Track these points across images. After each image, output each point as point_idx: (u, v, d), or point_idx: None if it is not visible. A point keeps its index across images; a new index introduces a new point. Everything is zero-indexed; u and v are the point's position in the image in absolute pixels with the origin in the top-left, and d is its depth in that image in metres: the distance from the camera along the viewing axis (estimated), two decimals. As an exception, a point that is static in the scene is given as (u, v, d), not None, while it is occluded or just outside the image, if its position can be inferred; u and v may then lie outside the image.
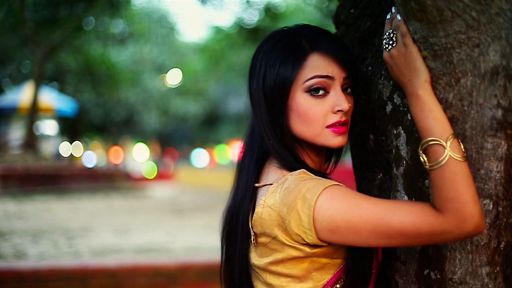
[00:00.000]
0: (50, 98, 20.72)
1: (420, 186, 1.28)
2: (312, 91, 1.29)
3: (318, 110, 1.30)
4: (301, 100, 1.30)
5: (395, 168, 1.35)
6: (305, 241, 1.21)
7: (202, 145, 39.18)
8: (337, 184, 1.22)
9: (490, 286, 1.24)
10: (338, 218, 1.17)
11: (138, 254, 6.44)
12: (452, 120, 1.19)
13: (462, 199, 1.11)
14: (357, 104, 1.52)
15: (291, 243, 1.23)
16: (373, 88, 1.47)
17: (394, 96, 1.37)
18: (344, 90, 1.34)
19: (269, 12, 18.00)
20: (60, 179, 16.10)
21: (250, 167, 1.39)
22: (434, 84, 1.19)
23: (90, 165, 23.07)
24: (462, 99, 1.17)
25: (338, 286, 1.28)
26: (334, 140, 1.32)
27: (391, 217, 1.14)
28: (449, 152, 1.12)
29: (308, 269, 1.25)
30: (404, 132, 1.32)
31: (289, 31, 1.36)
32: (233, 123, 36.73)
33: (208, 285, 4.45)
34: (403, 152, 1.31)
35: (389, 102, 1.39)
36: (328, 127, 1.31)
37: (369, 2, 1.53)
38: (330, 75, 1.29)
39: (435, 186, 1.14)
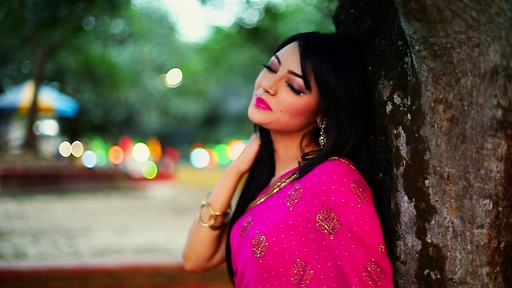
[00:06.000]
0: (50, 98, 20.72)
1: (420, 186, 1.28)
2: (268, 66, 1.47)
3: (258, 80, 1.48)
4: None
5: (395, 168, 1.35)
6: None
7: (202, 145, 39.15)
8: None
9: (490, 286, 1.24)
10: None
11: (138, 254, 6.44)
12: (452, 120, 1.18)
13: None
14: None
15: None
16: (373, 88, 1.47)
17: (394, 96, 1.37)
18: (290, 85, 1.40)
19: (269, 12, 18.02)
20: (60, 179, 16.09)
21: None
22: (434, 84, 1.19)
23: (90, 165, 23.00)
24: (462, 99, 1.17)
25: None
26: (250, 109, 1.45)
27: None
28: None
29: None
30: (404, 132, 1.32)
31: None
32: (233, 123, 36.72)
33: (208, 285, 4.44)
34: (403, 152, 1.31)
35: (389, 102, 1.39)
36: (256, 96, 1.46)
37: (369, 2, 1.53)
38: (279, 59, 1.43)
39: None
